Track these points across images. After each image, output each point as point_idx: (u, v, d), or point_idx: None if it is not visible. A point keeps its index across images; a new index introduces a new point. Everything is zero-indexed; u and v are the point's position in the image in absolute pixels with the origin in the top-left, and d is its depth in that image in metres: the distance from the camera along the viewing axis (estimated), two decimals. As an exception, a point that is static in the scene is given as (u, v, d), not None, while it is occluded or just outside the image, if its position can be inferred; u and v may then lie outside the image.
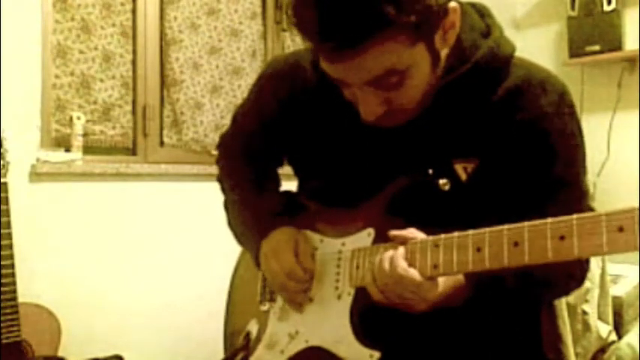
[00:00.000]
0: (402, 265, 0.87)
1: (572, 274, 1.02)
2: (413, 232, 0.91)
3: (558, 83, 1.00)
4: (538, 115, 0.96)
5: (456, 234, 0.85)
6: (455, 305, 0.93)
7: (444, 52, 0.92)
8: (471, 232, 0.84)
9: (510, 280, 0.93)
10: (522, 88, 0.97)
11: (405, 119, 0.96)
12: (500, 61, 0.97)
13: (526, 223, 0.79)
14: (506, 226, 0.80)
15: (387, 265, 0.88)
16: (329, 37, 0.82)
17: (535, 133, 0.96)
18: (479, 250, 0.82)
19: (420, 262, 0.88)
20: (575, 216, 0.74)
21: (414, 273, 0.87)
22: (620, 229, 0.70)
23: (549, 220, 0.76)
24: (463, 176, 0.97)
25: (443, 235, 0.87)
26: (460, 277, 0.92)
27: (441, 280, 0.89)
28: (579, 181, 1.01)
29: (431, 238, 0.89)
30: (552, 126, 0.96)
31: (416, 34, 0.84)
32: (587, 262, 1.04)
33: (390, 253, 0.90)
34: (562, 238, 0.75)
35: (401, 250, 0.89)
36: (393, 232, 0.92)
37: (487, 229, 0.82)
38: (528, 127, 0.96)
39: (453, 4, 0.88)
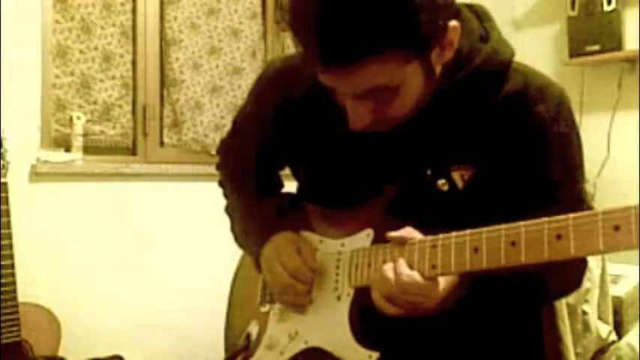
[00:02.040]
0: (406, 272, 0.87)
1: (569, 276, 1.02)
2: (410, 232, 0.91)
3: (557, 90, 0.99)
4: (536, 122, 0.96)
5: (453, 234, 0.86)
6: (453, 303, 0.93)
7: (438, 68, 0.92)
8: (468, 232, 0.84)
9: (506, 278, 0.93)
10: (521, 95, 0.97)
11: (395, 125, 0.95)
12: (499, 66, 0.97)
13: (522, 223, 0.79)
14: (503, 226, 0.80)
15: (391, 275, 0.88)
16: (325, 49, 0.82)
17: (533, 140, 0.96)
18: (476, 250, 0.82)
19: (419, 263, 0.88)
20: (571, 215, 0.74)
21: (417, 276, 0.87)
22: (617, 228, 0.70)
23: (546, 219, 0.76)
24: (460, 184, 0.97)
25: (441, 236, 0.87)
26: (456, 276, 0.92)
27: (441, 278, 0.89)
28: (578, 189, 1.00)
29: (429, 238, 0.89)
30: (551, 133, 0.96)
31: (412, 52, 0.84)
32: (584, 263, 1.04)
33: (390, 263, 0.90)
34: (559, 237, 0.75)
35: (401, 260, 0.89)
36: (391, 234, 0.92)
37: (484, 229, 0.82)
38: (526, 134, 0.96)
39: (453, 24, 0.87)
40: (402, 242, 0.91)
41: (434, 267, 0.86)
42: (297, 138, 1.12)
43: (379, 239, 0.98)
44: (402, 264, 0.88)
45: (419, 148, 1.00)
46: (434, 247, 0.87)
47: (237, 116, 1.27)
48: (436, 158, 0.98)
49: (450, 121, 0.97)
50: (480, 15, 1.01)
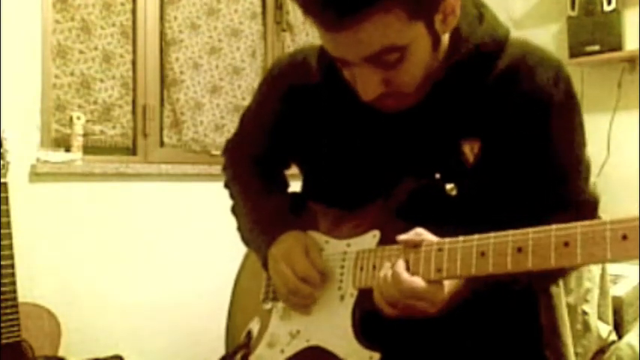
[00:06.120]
0: (404, 275, 0.87)
1: None
2: (420, 233, 0.91)
3: (554, 59, 1.00)
4: (535, 88, 0.96)
5: (460, 238, 0.86)
6: (462, 300, 0.93)
7: (444, 38, 0.93)
8: (475, 236, 0.84)
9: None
10: (519, 65, 0.97)
11: (405, 104, 0.96)
12: (496, 43, 0.97)
13: (530, 230, 0.79)
14: (511, 232, 0.81)
15: (390, 279, 0.88)
16: (329, 4, 0.82)
17: (533, 105, 0.96)
18: (483, 254, 0.82)
19: (424, 266, 0.88)
20: (579, 223, 0.75)
21: (418, 281, 0.87)
22: (624, 237, 0.70)
23: (554, 226, 0.77)
24: (470, 157, 0.97)
25: (447, 239, 0.87)
26: None
27: (445, 282, 0.89)
28: (579, 152, 1.01)
29: (435, 241, 0.89)
30: (550, 98, 0.96)
31: (415, 10, 0.84)
32: None
33: (389, 265, 0.90)
34: (566, 244, 0.75)
35: (400, 262, 0.89)
36: (400, 238, 0.91)
37: (492, 234, 0.82)
38: (527, 101, 0.96)
39: None
40: (413, 245, 0.90)
41: (439, 270, 0.86)
42: (304, 132, 1.12)
43: (385, 241, 0.98)
44: (401, 267, 0.88)
45: (426, 137, 1.00)
46: (440, 250, 0.87)
47: (243, 115, 1.27)
48: (444, 141, 0.99)
49: (455, 101, 0.98)
50: (474, 0, 1.02)
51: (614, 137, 3.10)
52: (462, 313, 0.95)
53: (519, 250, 0.79)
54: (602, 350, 2.13)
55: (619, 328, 2.26)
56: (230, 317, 1.25)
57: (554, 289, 1.24)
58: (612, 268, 2.32)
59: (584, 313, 2.06)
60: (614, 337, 2.20)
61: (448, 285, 0.90)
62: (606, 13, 3.01)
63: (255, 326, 1.12)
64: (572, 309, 1.99)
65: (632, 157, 2.99)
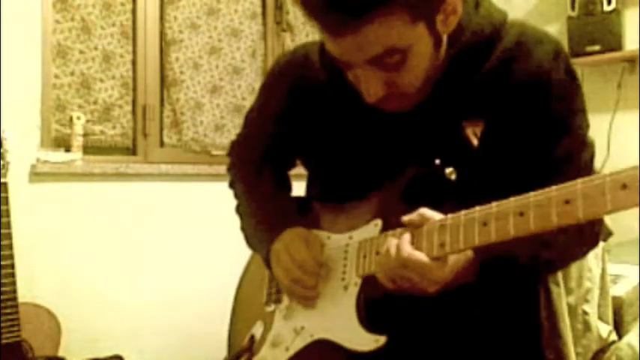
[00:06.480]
0: (407, 249, 0.87)
1: (583, 236, 1.01)
2: (424, 213, 0.90)
3: (553, 39, 1.01)
4: (534, 66, 0.97)
5: (462, 212, 0.85)
6: (467, 281, 0.92)
7: (445, 37, 0.93)
8: (477, 208, 0.84)
9: (520, 252, 0.92)
10: (518, 45, 0.98)
11: (408, 104, 0.96)
12: (495, 26, 0.98)
13: (532, 193, 0.78)
14: (512, 199, 0.80)
15: (393, 251, 0.89)
16: (333, 8, 0.83)
17: (534, 84, 0.97)
18: (485, 224, 0.82)
19: (427, 243, 0.88)
20: (579, 180, 0.74)
21: (420, 255, 0.87)
22: (624, 187, 0.70)
23: (554, 187, 0.76)
24: (474, 140, 0.97)
25: (450, 215, 0.87)
26: (469, 253, 0.91)
27: (450, 257, 0.89)
28: (580, 128, 1.01)
29: (438, 219, 0.89)
30: (549, 75, 0.97)
31: (417, 12, 0.85)
32: (599, 222, 1.02)
33: (395, 239, 0.90)
34: (567, 202, 0.74)
35: (406, 235, 0.90)
36: (405, 218, 0.91)
37: (494, 204, 0.82)
38: (527, 80, 0.97)
39: None
40: (418, 225, 0.90)
41: (442, 245, 0.86)
42: (308, 127, 1.13)
43: (388, 229, 0.98)
44: (406, 241, 0.88)
45: (427, 137, 1.00)
46: (442, 226, 0.87)
47: (247, 116, 1.28)
48: (445, 136, 0.99)
49: (455, 93, 0.98)
50: None
51: (614, 137, 3.10)
52: (463, 312, 0.95)
53: (521, 214, 0.78)
54: (602, 350, 2.13)
55: (619, 328, 2.25)
56: (232, 325, 1.25)
57: (554, 289, 1.24)
58: (612, 268, 2.32)
59: (585, 313, 2.06)
60: (614, 337, 2.19)
61: (452, 262, 0.89)
62: (606, 13, 3.02)
63: (258, 330, 1.12)
64: (572, 309, 1.99)
65: (632, 157, 2.99)
